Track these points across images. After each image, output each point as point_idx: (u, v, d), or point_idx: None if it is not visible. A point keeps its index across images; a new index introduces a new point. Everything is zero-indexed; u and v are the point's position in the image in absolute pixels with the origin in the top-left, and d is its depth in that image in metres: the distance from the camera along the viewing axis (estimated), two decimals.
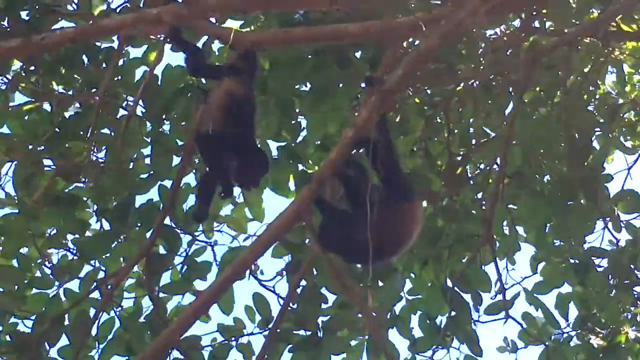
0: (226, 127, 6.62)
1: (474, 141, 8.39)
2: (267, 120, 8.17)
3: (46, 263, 8.41)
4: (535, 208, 8.18)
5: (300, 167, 8.55)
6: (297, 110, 8.30)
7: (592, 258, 8.50)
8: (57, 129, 8.46)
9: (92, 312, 8.14)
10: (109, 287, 8.03)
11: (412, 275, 8.49)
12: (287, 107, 8.15)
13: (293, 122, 8.30)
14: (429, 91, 8.11)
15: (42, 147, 8.46)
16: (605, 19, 7.61)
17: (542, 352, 8.48)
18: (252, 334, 8.30)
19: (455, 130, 8.35)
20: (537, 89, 8.23)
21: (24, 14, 8.18)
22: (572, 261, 8.52)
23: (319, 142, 8.42)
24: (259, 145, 7.00)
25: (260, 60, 7.26)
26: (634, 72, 9.11)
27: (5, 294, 8.07)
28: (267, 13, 7.87)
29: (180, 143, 8.39)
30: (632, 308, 8.48)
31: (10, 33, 7.87)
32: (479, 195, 8.44)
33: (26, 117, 8.54)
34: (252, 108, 6.78)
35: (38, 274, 8.45)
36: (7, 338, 8.10)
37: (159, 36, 7.94)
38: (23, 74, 8.45)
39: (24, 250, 8.41)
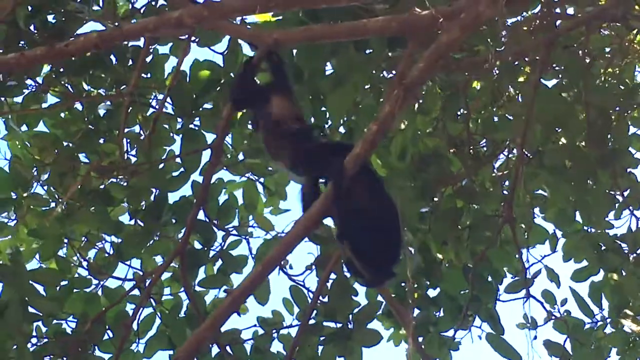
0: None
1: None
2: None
3: (84, 264, 8.56)
4: (555, 186, 8.15)
5: None
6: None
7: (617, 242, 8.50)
8: (89, 126, 8.59)
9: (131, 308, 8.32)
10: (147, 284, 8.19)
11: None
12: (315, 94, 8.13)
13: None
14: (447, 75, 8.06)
15: (75, 146, 8.61)
16: None
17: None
18: (291, 326, 8.39)
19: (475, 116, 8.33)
20: (560, 76, 8.17)
21: (50, 18, 8.29)
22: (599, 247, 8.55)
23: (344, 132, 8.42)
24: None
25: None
26: None
27: (48, 297, 8.19)
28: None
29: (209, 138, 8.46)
30: None
31: (36, 40, 8.01)
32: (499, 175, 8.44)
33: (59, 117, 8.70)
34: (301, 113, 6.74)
35: (77, 275, 8.60)
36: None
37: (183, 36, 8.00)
38: (53, 76, 8.56)
39: (61, 252, 8.57)
